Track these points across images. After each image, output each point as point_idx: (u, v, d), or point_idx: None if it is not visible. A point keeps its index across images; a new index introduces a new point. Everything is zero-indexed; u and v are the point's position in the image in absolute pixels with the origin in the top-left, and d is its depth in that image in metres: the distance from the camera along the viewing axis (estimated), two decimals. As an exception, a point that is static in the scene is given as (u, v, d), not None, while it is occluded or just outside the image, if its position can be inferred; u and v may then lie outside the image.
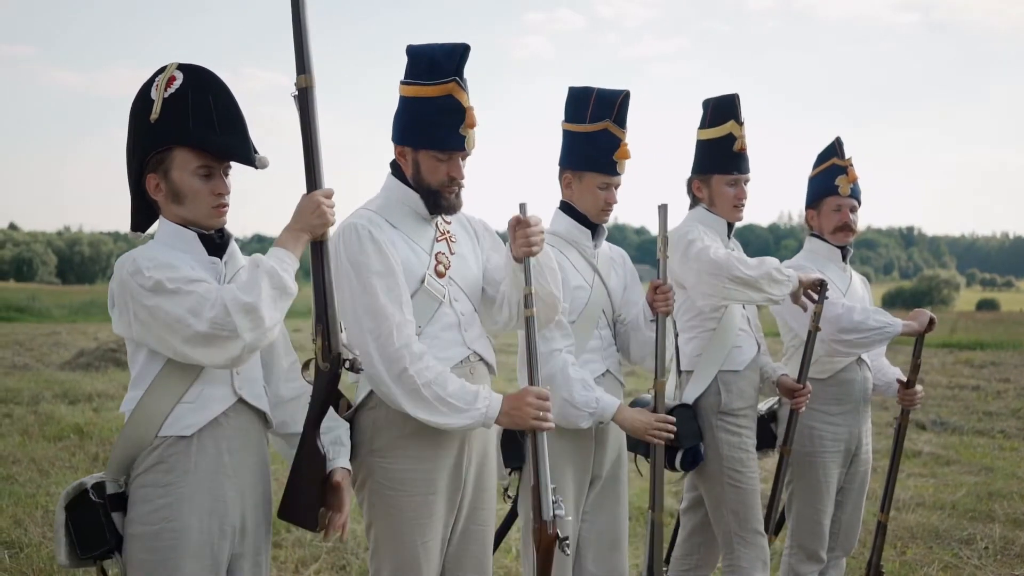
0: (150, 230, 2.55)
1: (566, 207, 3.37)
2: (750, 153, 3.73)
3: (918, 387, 4.17)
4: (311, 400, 2.50)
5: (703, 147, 3.74)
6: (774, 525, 3.99)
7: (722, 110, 3.69)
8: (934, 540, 5.70)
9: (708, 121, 3.72)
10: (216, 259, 2.46)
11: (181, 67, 2.44)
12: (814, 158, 4.15)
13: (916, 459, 8.16)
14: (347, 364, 2.46)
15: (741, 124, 3.67)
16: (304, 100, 2.41)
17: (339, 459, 2.57)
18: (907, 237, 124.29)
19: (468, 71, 2.78)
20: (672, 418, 3.29)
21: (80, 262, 73.25)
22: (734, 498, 3.60)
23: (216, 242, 2.47)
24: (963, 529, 5.87)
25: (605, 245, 3.46)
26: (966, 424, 9.92)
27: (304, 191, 2.44)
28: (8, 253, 67.21)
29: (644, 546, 5.31)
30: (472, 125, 2.73)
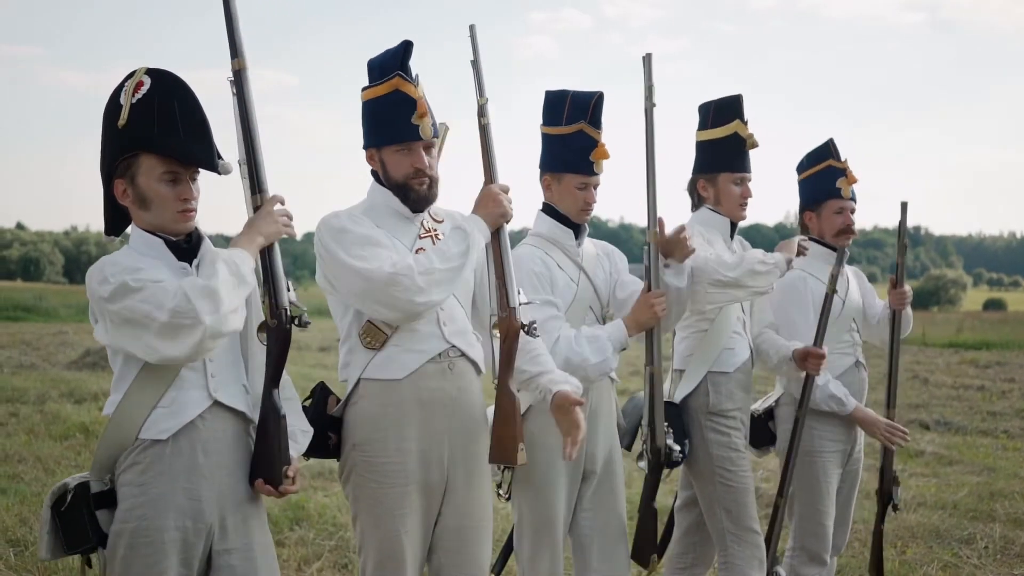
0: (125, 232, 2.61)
1: (548, 209, 3.42)
2: (752, 152, 3.77)
3: (906, 287, 4.13)
4: (266, 359, 2.55)
5: (707, 147, 3.78)
6: (786, 503, 3.95)
7: (726, 110, 3.72)
8: (934, 540, 5.71)
9: (711, 122, 3.76)
10: (186, 264, 2.49)
11: (149, 72, 2.47)
12: (811, 159, 4.11)
13: (919, 459, 8.16)
14: (296, 320, 2.53)
15: (746, 123, 3.70)
16: (239, 82, 2.51)
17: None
18: (914, 237, 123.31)
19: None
20: (664, 293, 3.34)
21: (87, 262, 72.76)
22: (726, 496, 3.63)
23: (183, 247, 2.50)
24: (964, 529, 5.87)
25: (589, 242, 3.50)
26: (970, 424, 9.91)
27: (244, 161, 2.54)
28: (15, 253, 67.36)
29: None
30: (423, 114, 2.83)
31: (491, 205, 2.90)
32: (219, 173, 2.49)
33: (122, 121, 2.42)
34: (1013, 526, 5.97)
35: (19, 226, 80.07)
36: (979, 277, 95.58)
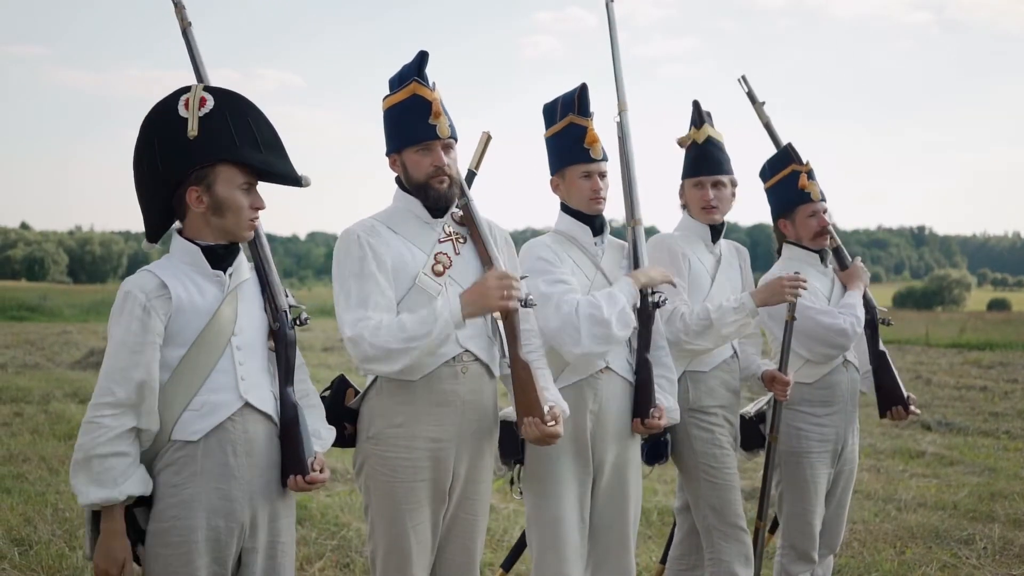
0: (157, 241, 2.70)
1: (564, 207, 3.49)
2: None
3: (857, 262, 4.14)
4: (276, 360, 2.66)
5: (685, 151, 3.88)
6: (769, 520, 3.99)
7: (699, 115, 3.82)
8: (933, 540, 5.72)
9: (692, 125, 3.86)
10: (220, 272, 2.59)
11: (207, 89, 2.57)
12: (773, 166, 4.12)
13: (919, 459, 8.18)
14: (296, 320, 2.68)
15: (712, 127, 3.79)
16: None
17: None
18: (918, 237, 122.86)
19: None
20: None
21: (91, 261, 73.60)
22: (711, 493, 3.66)
23: (219, 253, 2.59)
24: (963, 529, 5.88)
25: (617, 243, 3.54)
26: (971, 425, 9.90)
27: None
28: (20, 252, 67.55)
29: (644, 543, 5.37)
30: (438, 114, 2.93)
31: (480, 300, 2.86)
32: (302, 186, 2.63)
33: (192, 132, 2.51)
34: (1012, 527, 5.97)
35: (23, 226, 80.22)
36: (983, 277, 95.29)
